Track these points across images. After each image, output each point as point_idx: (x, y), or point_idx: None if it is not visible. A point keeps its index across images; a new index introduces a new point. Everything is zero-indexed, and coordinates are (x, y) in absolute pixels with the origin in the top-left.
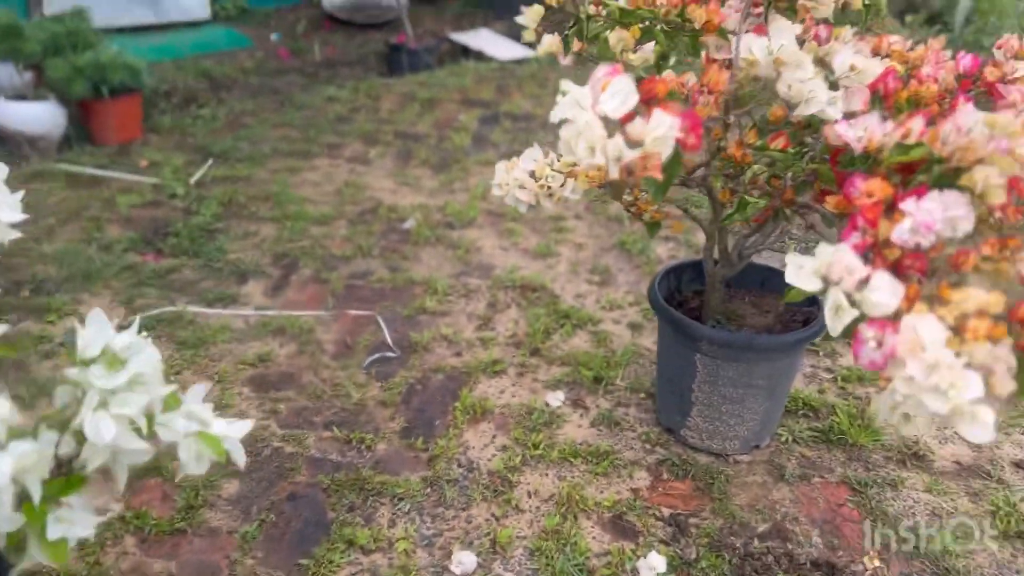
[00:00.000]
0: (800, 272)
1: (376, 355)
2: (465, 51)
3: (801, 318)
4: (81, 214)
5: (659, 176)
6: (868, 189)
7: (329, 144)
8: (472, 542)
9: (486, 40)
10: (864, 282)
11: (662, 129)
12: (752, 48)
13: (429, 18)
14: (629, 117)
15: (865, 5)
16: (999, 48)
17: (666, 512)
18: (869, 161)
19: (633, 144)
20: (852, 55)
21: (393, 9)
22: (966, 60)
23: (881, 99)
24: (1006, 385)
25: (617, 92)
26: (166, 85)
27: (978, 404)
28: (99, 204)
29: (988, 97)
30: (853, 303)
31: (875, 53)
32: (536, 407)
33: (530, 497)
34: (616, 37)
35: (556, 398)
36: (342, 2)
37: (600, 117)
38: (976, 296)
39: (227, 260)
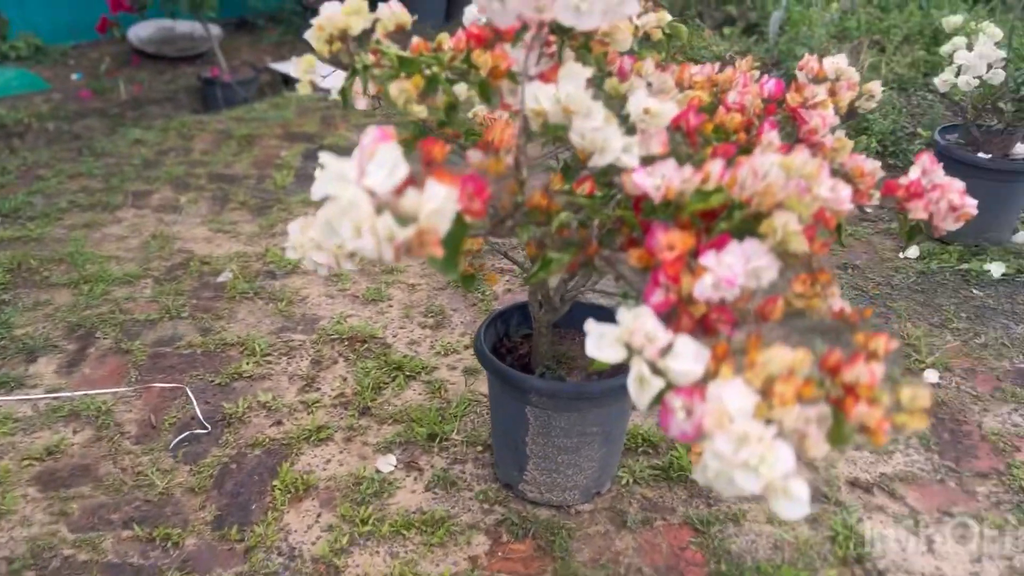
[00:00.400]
0: (601, 342)
1: (184, 434)
2: (286, 81)
3: None
4: None
5: (439, 252)
6: (669, 242)
7: (135, 193)
8: None
9: None
10: (667, 349)
11: (436, 201)
12: (539, 97)
13: (246, 48)
14: (401, 189)
15: (666, 35)
16: (800, 69)
17: None
18: (671, 208)
19: (407, 220)
20: (644, 99)
21: (206, 40)
22: (770, 84)
23: (684, 135)
24: (819, 448)
25: (383, 162)
26: None
27: (790, 478)
28: None
29: (793, 121)
30: (658, 371)
31: (678, 84)
32: (365, 476)
33: None
34: (397, 88)
35: (387, 463)
36: (149, 35)
37: (368, 191)
38: (781, 356)
39: (13, 337)
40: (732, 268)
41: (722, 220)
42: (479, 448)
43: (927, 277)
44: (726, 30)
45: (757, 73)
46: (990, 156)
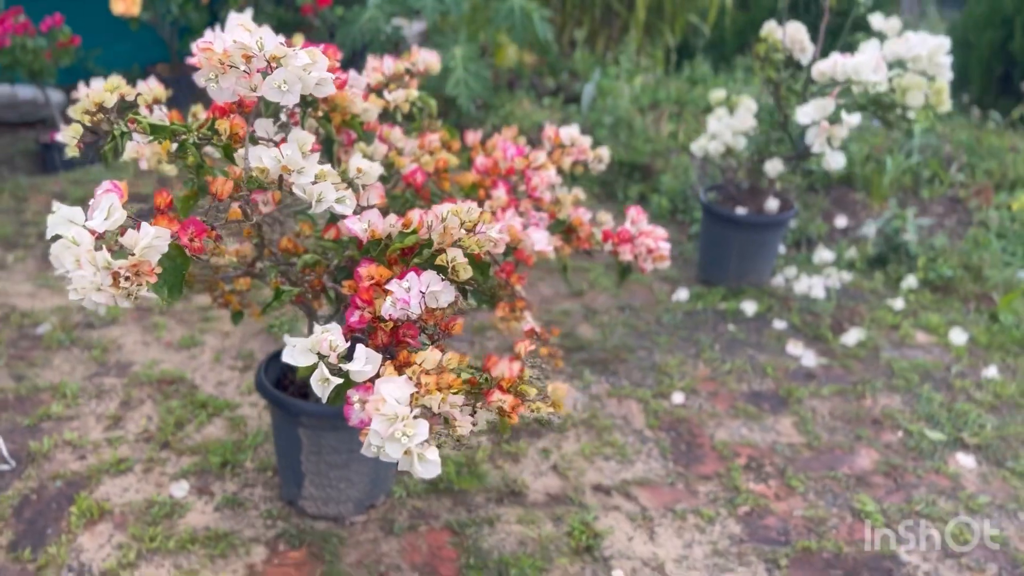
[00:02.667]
0: (294, 351)
1: None
2: None
3: None
4: None
5: (153, 279)
6: (368, 273)
7: None
8: None
9: None
10: (347, 355)
11: (147, 239)
12: (262, 157)
13: None
14: (125, 229)
15: (418, 108)
16: (544, 138)
17: None
18: (380, 247)
19: (129, 254)
20: (358, 160)
21: (47, 106)
22: (511, 150)
23: (416, 191)
24: (464, 426)
25: (104, 209)
26: None
27: (425, 446)
28: None
29: (524, 181)
30: (341, 373)
31: (421, 147)
32: (158, 500)
33: None
34: (150, 151)
35: (180, 488)
36: None
37: (90, 231)
38: (432, 357)
39: None
40: (407, 292)
41: (415, 256)
42: (269, 473)
43: (692, 316)
44: (546, 100)
45: (524, 139)
46: (747, 211)
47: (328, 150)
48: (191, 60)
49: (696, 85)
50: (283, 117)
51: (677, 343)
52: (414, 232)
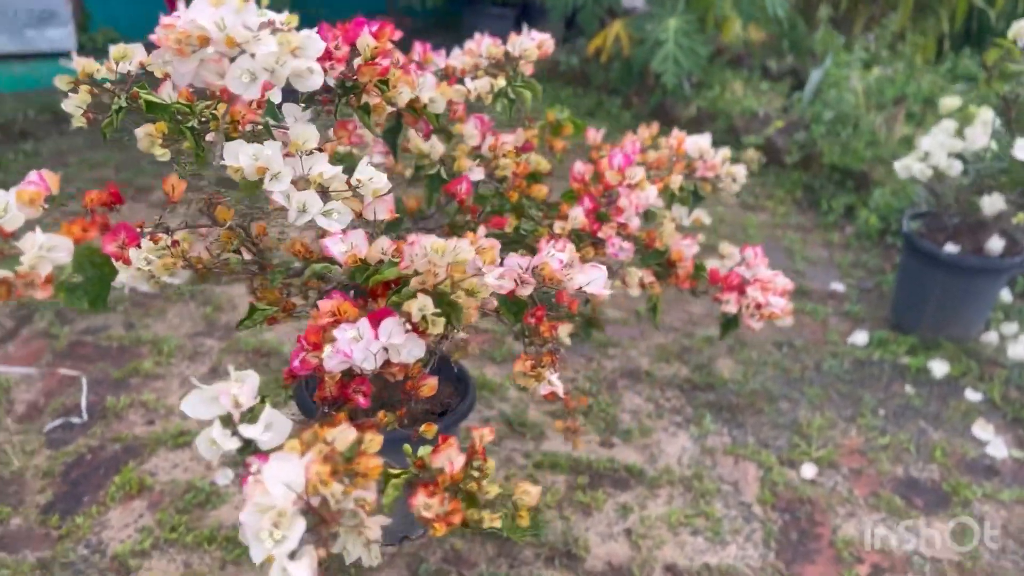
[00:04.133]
0: (194, 398)
1: (60, 420)
2: None
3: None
4: None
5: (46, 293)
6: (331, 308)
7: (142, 187)
8: None
9: None
10: (250, 413)
11: (33, 250)
12: (238, 155)
13: None
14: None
15: (509, 101)
16: (667, 144)
17: None
18: (366, 276)
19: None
20: (363, 168)
21: None
22: (618, 158)
23: (458, 203)
24: (374, 531)
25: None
26: (1, 118)
27: (294, 560)
28: None
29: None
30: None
31: (491, 149)
32: (198, 485)
33: None
34: (144, 131)
35: (225, 476)
36: None
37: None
38: (345, 435)
39: None
40: (348, 343)
41: (394, 293)
42: None
43: (863, 367)
44: (765, 84)
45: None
46: (959, 250)
47: (392, 143)
48: (152, 37)
49: (957, 81)
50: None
51: (832, 399)
52: (392, 264)
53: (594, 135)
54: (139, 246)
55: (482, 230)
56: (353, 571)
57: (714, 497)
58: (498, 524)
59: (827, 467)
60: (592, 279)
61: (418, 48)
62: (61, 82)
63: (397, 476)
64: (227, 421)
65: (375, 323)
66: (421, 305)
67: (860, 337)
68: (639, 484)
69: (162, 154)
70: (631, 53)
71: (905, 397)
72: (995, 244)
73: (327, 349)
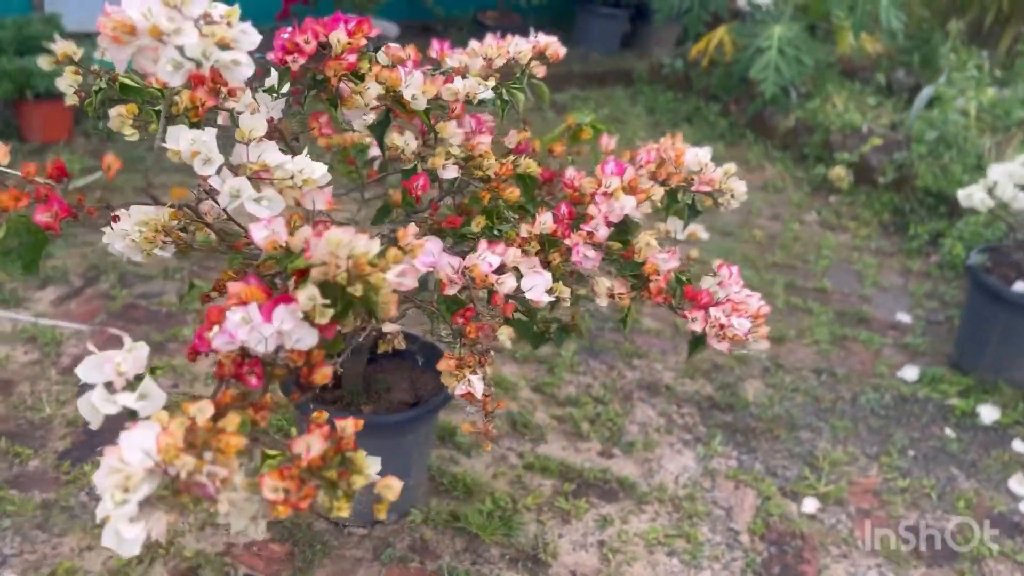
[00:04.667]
0: (88, 365)
1: None
2: None
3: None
4: None
5: None
6: (238, 291)
7: None
8: (36, 570)
9: None
10: (129, 384)
11: None
12: (178, 138)
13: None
14: None
15: (503, 102)
16: (661, 153)
17: (242, 572)
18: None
19: None
20: (301, 161)
21: (384, 38)
22: (611, 165)
23: (413, 200)
24: (223, 506)
25: None
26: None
27: (125, 519)
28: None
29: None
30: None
31: (471, 148)
32: None
33: None
34: (116, 112)
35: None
36: None
37: None
38: (205, 409)
39: (46, 265)
40: (237, 326)
41: (304, 281)
42: None
43: (905, 403)
44: (872, 99)
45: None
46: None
47: (380, 136)
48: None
49: None
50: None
51: (859, 433)
52: (297, 256)
53: (607, 141)
54: (76, 218)
55: (412, 228)
56: (319, 547)
57: (702, 520)
58: (345, 512)
59: (832, 503)
60: (533, 284)
61: (435, 46)
62: (43, 62)
63: (273, 457)
64: (110, 387)
65: (270, 309)
66: (310, 295)
67: (911, 372)
68: (627, 498)
69: (131, 134)
70: (732, 59)
71: (942, 440)
72: None
73: (214, 329)
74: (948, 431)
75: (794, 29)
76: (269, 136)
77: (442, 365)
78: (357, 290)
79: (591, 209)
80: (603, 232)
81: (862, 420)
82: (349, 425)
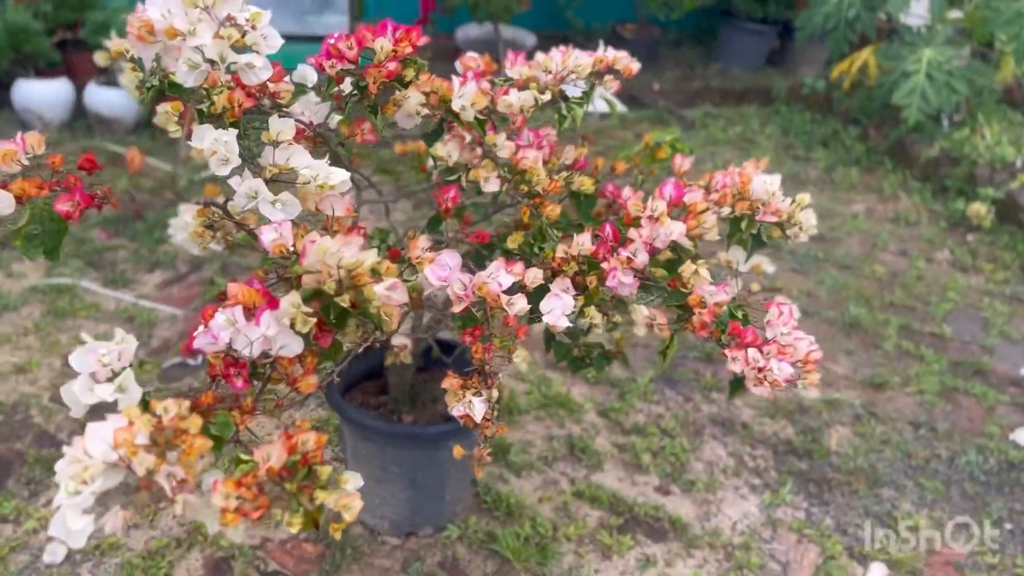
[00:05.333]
0: (79, 354)
1: (178, 359)
2: None
3: None
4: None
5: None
6: (237, 293)
7: None
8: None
9: None
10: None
11: None
12: (204, 137)
13: None
14: None
15: (562, 116)
16: (725, 182)
17: (272, 567)
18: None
19: None
20: (319, 164)
21: (523, 46)
22: (668, 188)
23: (443, 212)
24: (179, 507)
25: None
26: None
27: (73, 509)
28: (110, 183)
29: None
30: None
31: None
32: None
33: None
34: (162, 109)
35: None
36: (477, 36)
37: None
38: (170, 407)
39: (156, 250)
40: (221, 328)
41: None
42: None
43: (1010, 470)
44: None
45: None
46: None
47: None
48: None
49: None
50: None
51: (951, 497)
52: (295, 263)
53: (680, 161)
54: (99, 209)
55: (424, 240)
56: (350, 551)
57: (754, 573)
58: (295, 528)
59: (904, 572)
60: (552, 308)
61: (510, 57)
62: (100, 58)
63: (246, 462)
64: (94, 377)
65: (258, 312)
66: (293, 302)
67: None
68: (677, 539)
69: (175, 130)
70: (876, 82)
71: None
72: None
73: (200, 329)
74: None
75: (947, 53)
76: (313, 140)
77: (446, 383)
78: (344, 300)
79: (632, 232)
80: (643, 258)
81: (956, 483)
82: (312, 438)
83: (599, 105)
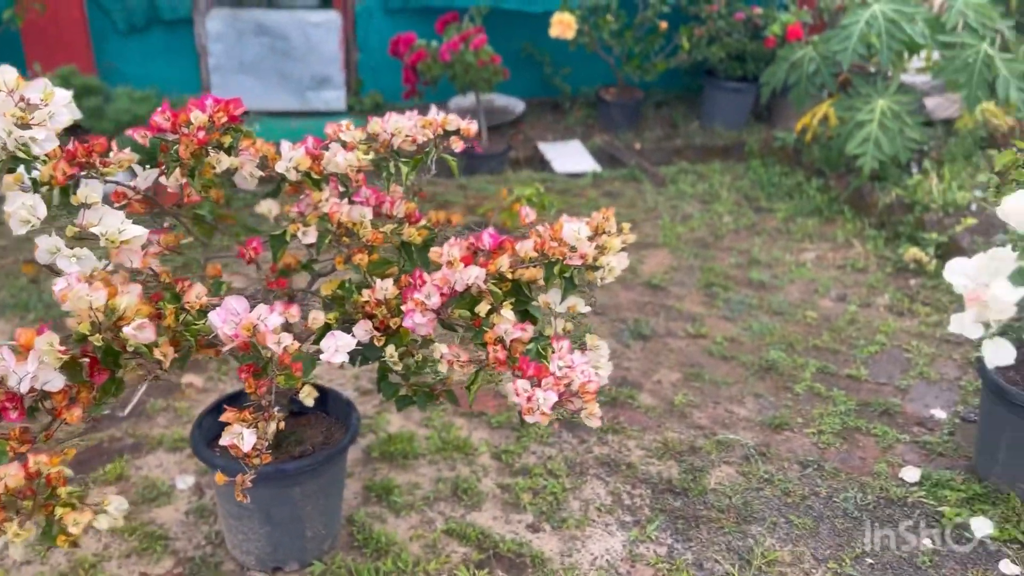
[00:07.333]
0: None
1: None
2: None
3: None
4: None
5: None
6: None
7: None
8: None
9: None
10: None
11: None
12: (14, 203)
13: (543, 125)
14: None
15: (389, 173)
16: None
17: None
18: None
19: None
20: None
21: (510, 113)
22: (487, 237)
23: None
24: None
25: None
26: None
27: None
28: None
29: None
30: None
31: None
32: (159, 479)
33: None
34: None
35: (184, 481)
36: (470, 104)
37: None
38: None
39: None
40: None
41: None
42: None
43: (888, 506)
44: (983, 175)
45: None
46: None
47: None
48: None
49: None
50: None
51: (819, 534)
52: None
53: (526, 213)
54: None
55: (200, 287)
56: None
57: None
58: (20, 540)
59: None
60: (330, 346)
61: (375, 122)
62: None
63: None
64: None
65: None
66: (48, 340)
67: (912, 474)
68: (534, 574)
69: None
70: (834, 133)
71: (914, 551)
72: None
73: None
74: (927, 541)
75: (902, 102)
76: (142, 203)
77: (225, 416)
78: (98, 339)
79: (425, 276)
80: (435, 300)
81: (828, 519)
82: (44, 459)
83: (576, 166)
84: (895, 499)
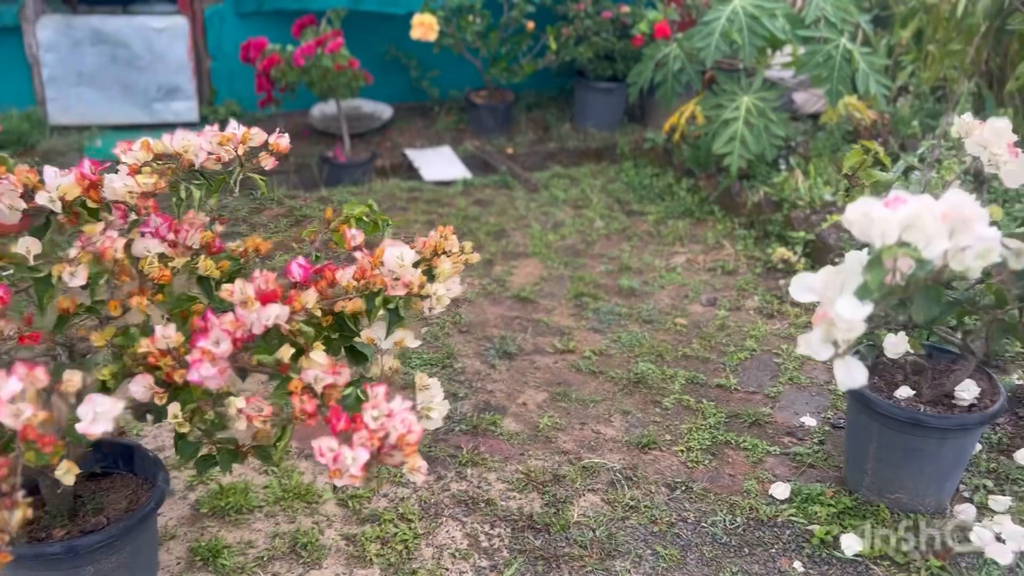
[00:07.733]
0: None
1: None
2: (411, 167)
3: None
4: None
5: None
6: None
7: None
8: None
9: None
10: None
11: None
12: None
13: (413, 131)
14: None
15: (179, 199)
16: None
17: None
18: None
19: None
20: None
21: (376, 119)
22: (297, 269)
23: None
24: None
25: None
26: None
27: None
28: None
29: None
30: None
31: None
32: None
33: None
34: None
35: None
36: (334, 112)
37: None
38: None
39: None
40: None
41: None
42: None
43: (759, 527)
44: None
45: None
46: (909, 396)
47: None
48: None
49: None
50: None
51: (687, 565)
52: None
53: (351, 235)
54: None
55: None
56: None
57: None
58: None
59: None
60: (85, 414)
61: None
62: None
63: None
64: None
65: None
66: None
67: (782, 490)
68: None
69: None
70: (701, 132)
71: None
72: (967, 389)
73: None
74: (797, 564)
75: (767, 98)
76: None
77: None
78: None
79: (213, 319)
80: (225, 347)
81: (696, 547)
82: None
83: (445, 173)
84: (765, 519)
